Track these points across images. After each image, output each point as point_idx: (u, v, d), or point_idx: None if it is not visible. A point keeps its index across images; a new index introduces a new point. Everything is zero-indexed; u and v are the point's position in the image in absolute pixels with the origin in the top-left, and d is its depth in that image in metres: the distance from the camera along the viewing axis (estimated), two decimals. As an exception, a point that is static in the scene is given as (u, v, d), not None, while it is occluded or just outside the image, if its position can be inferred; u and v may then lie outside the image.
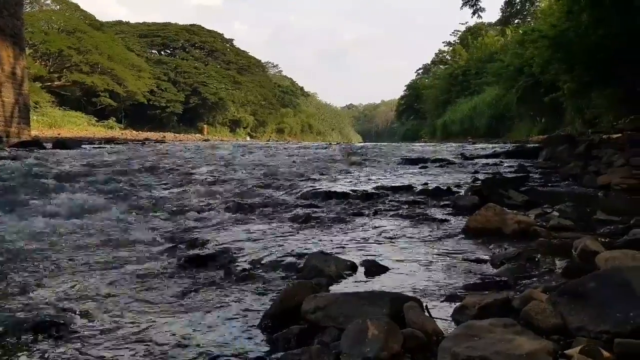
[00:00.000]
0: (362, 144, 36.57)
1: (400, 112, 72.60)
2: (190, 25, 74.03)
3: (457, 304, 1.85)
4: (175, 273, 2.46)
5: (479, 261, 2.59)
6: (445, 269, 2.47)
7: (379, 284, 2.19)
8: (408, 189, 5.44)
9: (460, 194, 4.90)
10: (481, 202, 4.40)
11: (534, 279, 2.22)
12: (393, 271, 2.40)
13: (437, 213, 4.19)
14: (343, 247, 2.94)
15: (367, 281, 2.25)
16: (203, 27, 75.19)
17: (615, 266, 1.56)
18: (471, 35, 54.91)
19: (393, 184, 5.79)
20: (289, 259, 2.62)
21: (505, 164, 9.54)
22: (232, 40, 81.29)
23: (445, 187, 5.30)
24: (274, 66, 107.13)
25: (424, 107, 58.80)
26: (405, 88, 72.18)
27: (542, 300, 1.59)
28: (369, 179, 6.77)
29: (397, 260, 2.62)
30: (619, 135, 13.19)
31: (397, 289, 2.08)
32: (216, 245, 2.99)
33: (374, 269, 2.38)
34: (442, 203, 4.64)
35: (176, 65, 66.32)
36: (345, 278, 2.27)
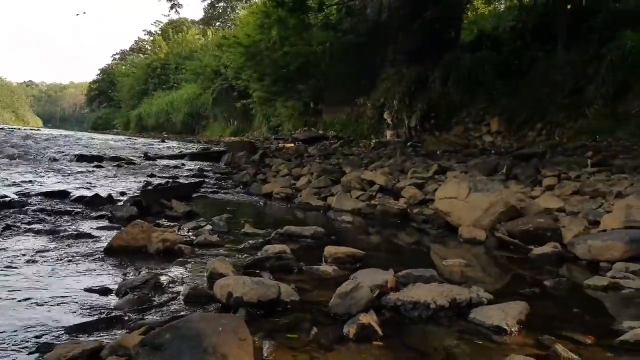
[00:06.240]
0: (38, 129, 31.89)
1: (92, 98, 66.75)
2: None
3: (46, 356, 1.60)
4: None
5: (104, 292, 2.37)
6: (62, 304, 2.17)
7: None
8: (63, 195, 4.83)
9: (120, 203, 4.61)
10: (140, 213, 4.24)
11: (153, 311, 2.13)
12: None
13: (88, 227, 3.81)
14: None
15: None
16: None
17: (189, 317, 1.57)
18: (173, 29, 54.70)
19: (46, 189, 5.08)
20: None
21: (187, 167, 9.65)
22: None
23: (106, 195, 4.91)
24: None
25: (119, 96, 55.64)
26: (98, 72, 66.93)
27: (129, 350, 1.47)
28: (21, 181, 5.79)
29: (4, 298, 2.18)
30: (292, 145, 15.09)
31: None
32: None
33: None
34: (98, 214, 4.26)
35: None
36: None
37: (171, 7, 16.72)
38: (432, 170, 7.15)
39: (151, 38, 60.94)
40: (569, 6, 10.24)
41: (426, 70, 13.00)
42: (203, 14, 57.53)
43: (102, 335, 1.85)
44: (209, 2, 53.51)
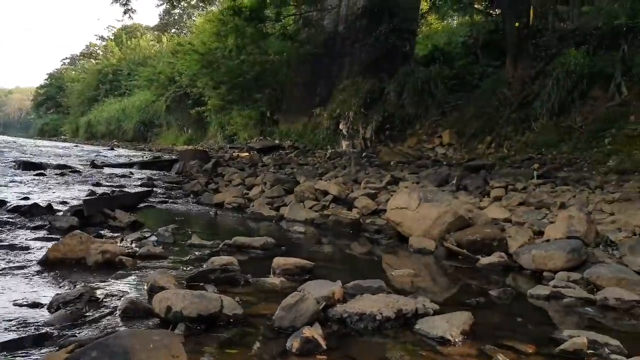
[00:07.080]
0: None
1: (39, 103, 63.97)
2: None
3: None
4: None
5: (34, 306, 2.22)
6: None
7: None
8: (-2, 204, 4.57)
9: (60, 213, 4.39)
10: (81, 223, 4.06)
11: (86, 327, 2.01)
12: None
13: (24, 237, 3.60)
14: None
15: None
16: None
17: (118, 333, 1.48)
18: (126, 34, 53.39)
19: (-19, 197, 4.78)
20: None
21: (135, 176, 9.34)
22: None
23: (45, 204, 4.66)
24: None
25: (68, 101, 53.66)
26: (46, 76, 64.33)
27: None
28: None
29: None
30: (246, 154, 14.94)
31: None
32: None
33: None
34: (36, 224, 4.03)
35: None
36: None
37: (125, 12, 16.25)
38: (385, 181, 7.21)
39: (103, 43, 59.21)
40: (517, 24, 10.62)
41: (382, 82, 13.19)
42: (158, 20, 56.49)
43: (27, 354, 1.72)
44: (165, 8, 52.63)
